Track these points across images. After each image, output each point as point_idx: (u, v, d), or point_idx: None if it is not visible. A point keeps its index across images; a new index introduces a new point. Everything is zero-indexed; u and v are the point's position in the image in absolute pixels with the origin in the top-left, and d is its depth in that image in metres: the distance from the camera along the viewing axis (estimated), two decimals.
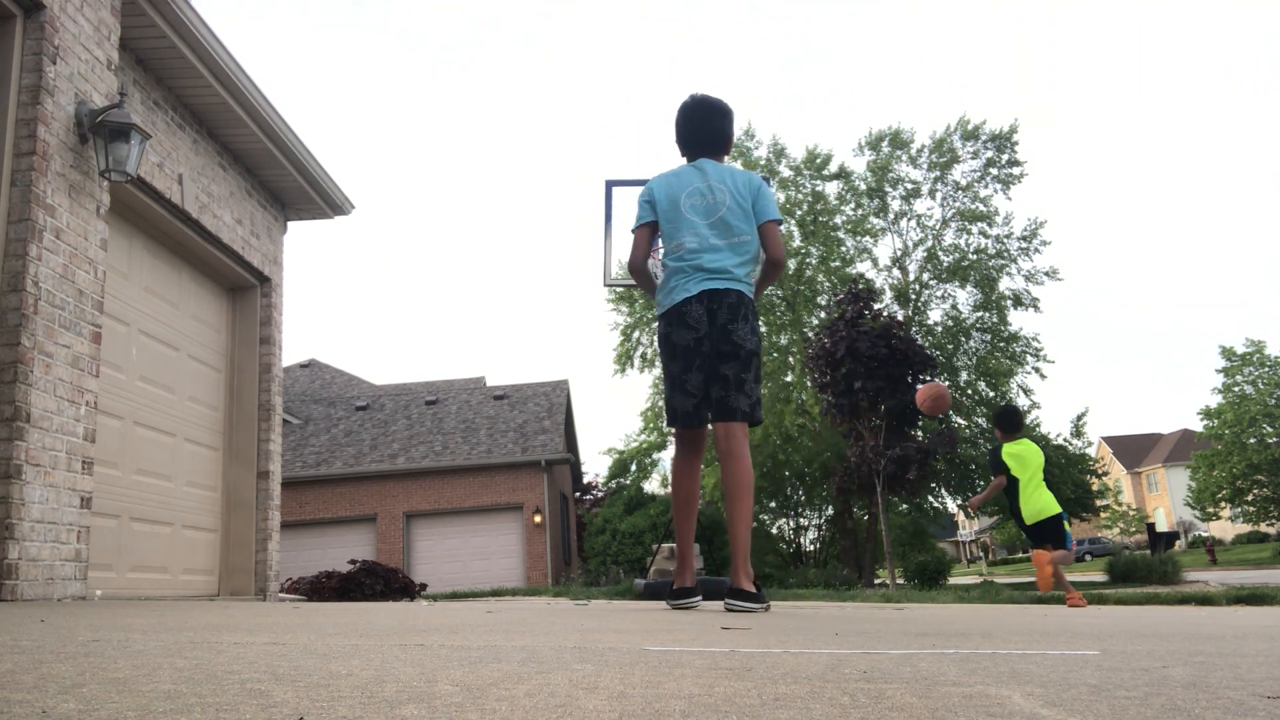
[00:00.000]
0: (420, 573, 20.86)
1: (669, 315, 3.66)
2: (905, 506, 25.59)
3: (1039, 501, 6.97)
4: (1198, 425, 43.30)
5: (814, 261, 28.00)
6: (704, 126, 3.83)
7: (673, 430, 3.79)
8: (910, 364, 19.89)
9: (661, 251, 3.69)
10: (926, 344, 25.61)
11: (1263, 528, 45.63)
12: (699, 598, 3.89)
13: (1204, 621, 3.91)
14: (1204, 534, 50.95)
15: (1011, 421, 7.25)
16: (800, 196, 28.48)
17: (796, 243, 27.94)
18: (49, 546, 4.14)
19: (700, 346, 3.57)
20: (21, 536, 3.95)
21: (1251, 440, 39.69)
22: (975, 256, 28.13)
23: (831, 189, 29.14)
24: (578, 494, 30.55)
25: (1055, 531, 6.93)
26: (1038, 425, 28.96)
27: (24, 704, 1.13)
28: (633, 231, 3.84)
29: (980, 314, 28.32)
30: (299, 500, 22.29)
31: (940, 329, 28.39)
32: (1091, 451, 37.64)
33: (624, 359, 28.18)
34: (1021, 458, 7.01)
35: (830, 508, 26.62)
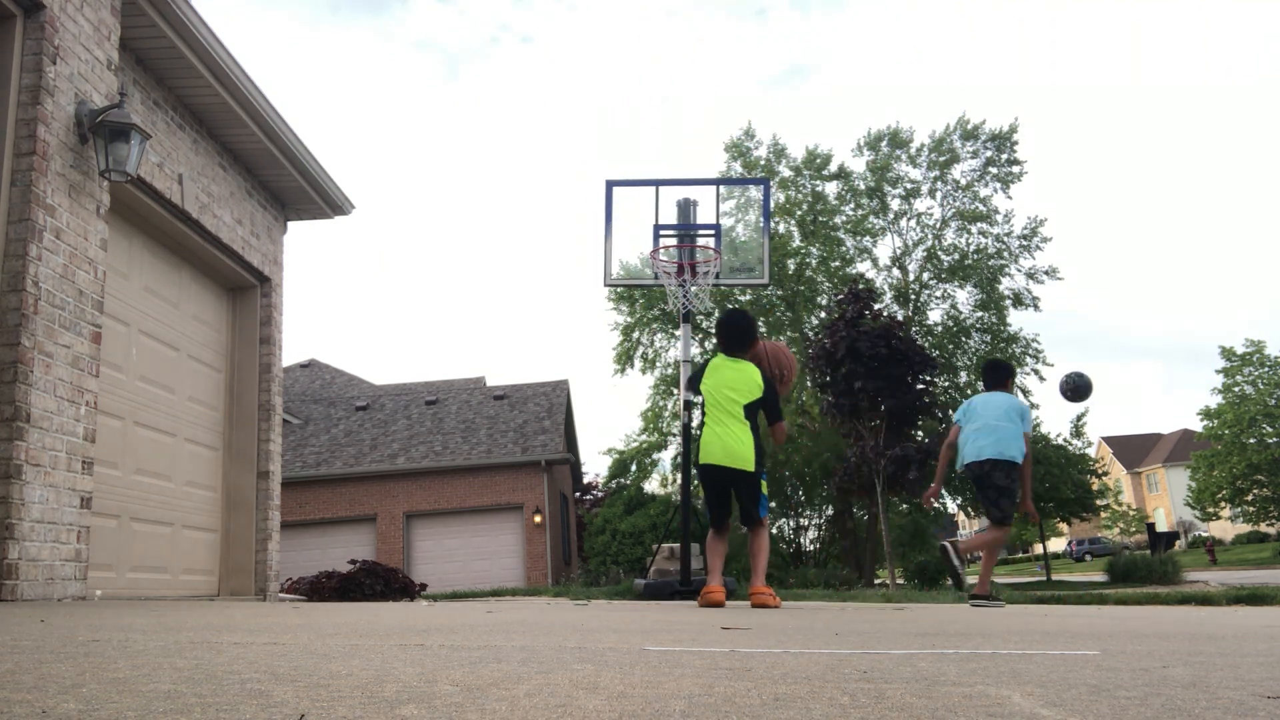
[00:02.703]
0: (420, 573, 20.85)
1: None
2: (905, 506, 25.59)
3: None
4: (1198, 425, 43.31)
5: (814, 262, 28.00)
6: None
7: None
8: (910, 364, 19.89)
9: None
10: (926, 344, 25.60)
11: (1263, 528, 45.62)
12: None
13: (1204, 621, 3.91)
14: (1204, 534, 50.95)
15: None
16: (800, 196, 28.47)
17: (796, 243, 27.94)
18: (49, 546, 4.14)
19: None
20: (21, 536, 3.95)
21: (1251, 440, 39.67)
22: (975, 256, 28.13)
23: (831, 189, 29.15)
24: (578, 494, 30.55)
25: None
26: (1038, 425, 28.98)
27: (24, 704, 1.13)
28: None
29: (980, 314, 28.32)
30: (299, 500, 22.28)
31: (940, 329, 28.39)
32: (1091, 451, 37.64)
33: (624, 359, 28.17)
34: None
35: (830, 508, 26.62)
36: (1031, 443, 6.24)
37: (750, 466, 4.99)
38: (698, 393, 5.19)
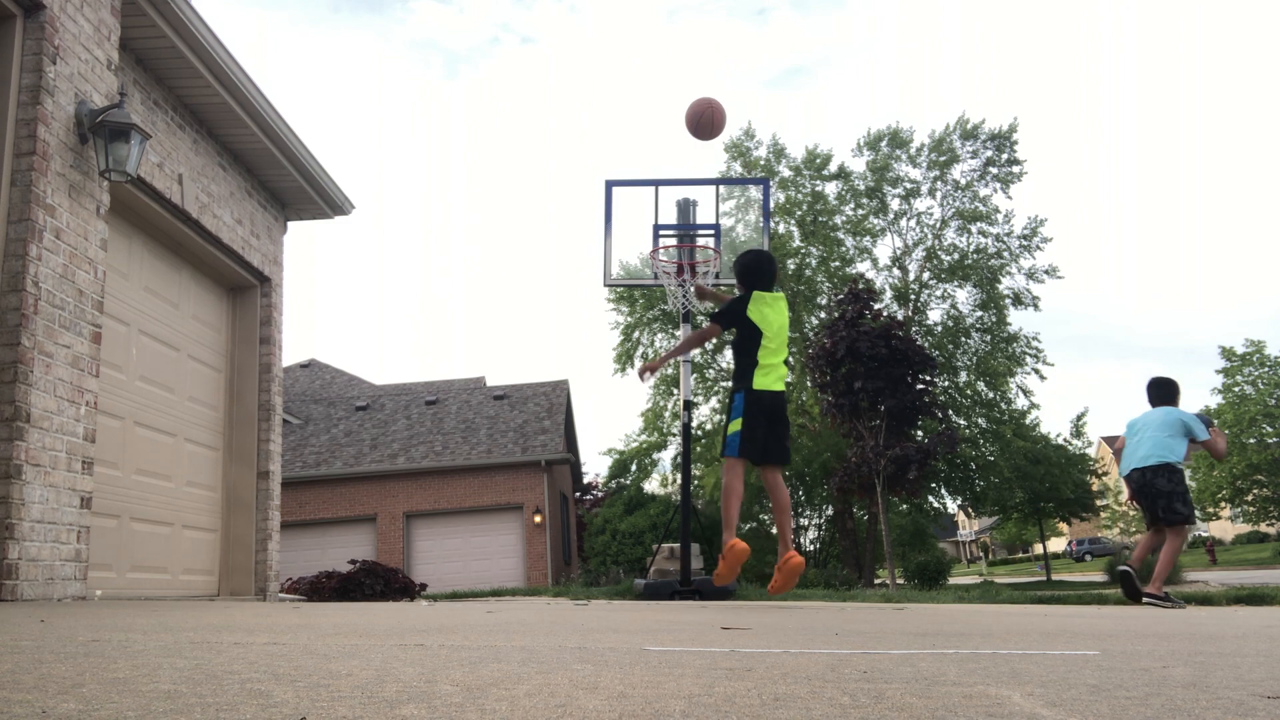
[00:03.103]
0: (420, 573, 20.85)
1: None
2: (905, 506, 25.59)
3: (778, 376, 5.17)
4: None
5: (814, 262, 27.98)
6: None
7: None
8: (910, 364, 19.87)
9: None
10: (926, 344, 25.59)
11: (1263, 528, 45.61)
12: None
13: (1204, 621, 3.90)
14: (1204, 534, 50.94)
15: (758, 270, 5.29)
16: (800, 196, 28.45)
17: (796, 243, 27.93)
18: (49, 546, 4.14)
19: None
20: (21, 536, 3.95)
21: (1251, 440, 39.64)
22: (975, 256, 28.11)
23: (831, 189, 29.11)
24: (578, 494, 30.55)
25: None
26: (1037, 425, 28.95)
27: (24, 704, 1.13)
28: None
29: (980, 314, 28.30)
30: (299, 500, 22.28)
31: (940, 329, 28.37)
32: (1091, 452, 37.63)
33: (624, 359, 28.16)
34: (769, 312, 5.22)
35: (830, 508, 26.62)
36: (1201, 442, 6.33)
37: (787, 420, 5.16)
38: (743, 324, 5.06)
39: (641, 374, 5.51)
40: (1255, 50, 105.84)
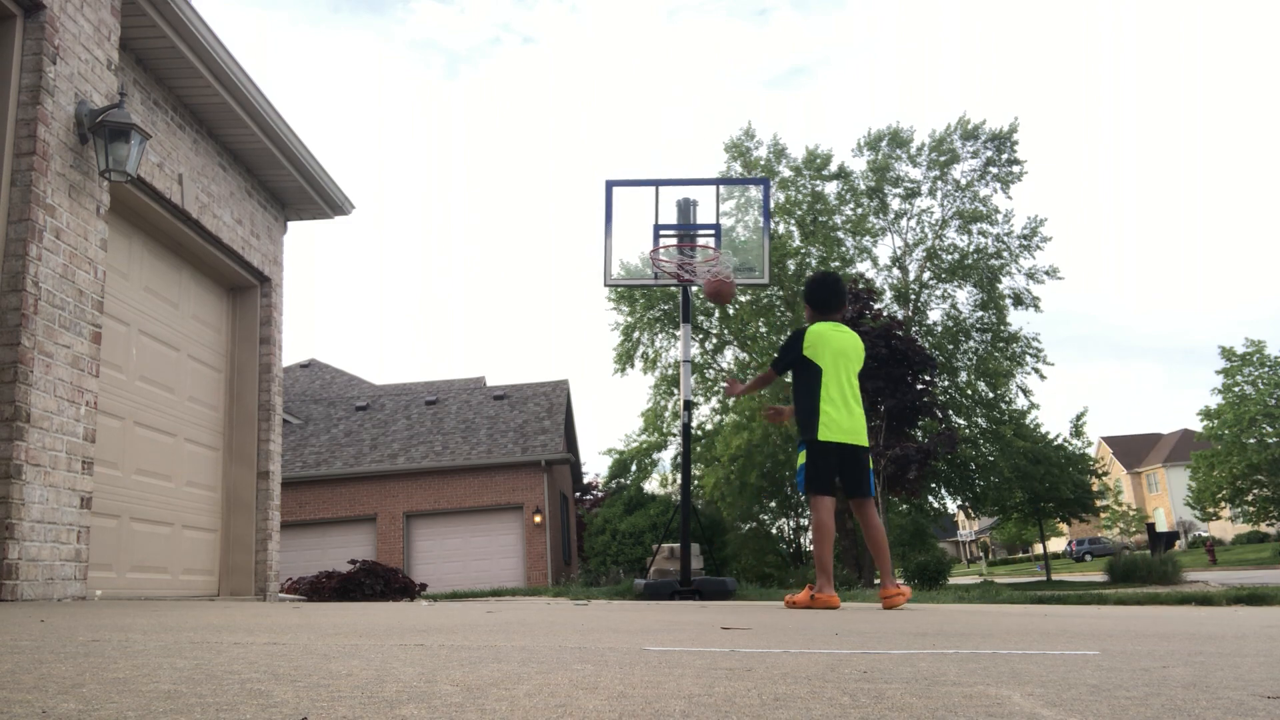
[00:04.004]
0: (420, 573, 20.84)
1: None
2: (905, 506, 25.58)
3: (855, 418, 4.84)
4: (1198, 425, 43.28)
5: (814, 262, 27.98)
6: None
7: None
8: (910, 364, 19.88)
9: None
10: (926, 344, 25.59)
11: (1263, 528, 45.60)
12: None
13: (1204, 621, 3.90)
14: (1204, 534, 50.92)
15: (826, 295, 5.07)
16: (800, 197, 28.45)
17: (796, 243, 27.93)
18: (49, 546, 4.14)
19: None
20: (21, 536, 3.95)
21: (1251, 440, 39.64)
22: (975, 256, 28.12)
23: (831, 189, 29.12)
24: (578, 494, 30.55)
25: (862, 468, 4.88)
26: (1037, 425, 28.95)
27: (24, 704, 1.13)
28: None
29: (980, 314, 28.31)
30: (299, 500, 22.28)
31: (940, 329, 28.37)
32: (1091, 451, 37.62)
33: (624, 359, 28.16)
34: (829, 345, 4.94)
35: None
36: None
37: (868, 440, 4.91)
38: (802, 365, 4.80)
39: (729, 395, 5.68)
40: (1255, 50, 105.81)
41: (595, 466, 59.85)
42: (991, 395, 27.78)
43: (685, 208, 8.69)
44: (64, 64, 4.51)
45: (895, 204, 29.15)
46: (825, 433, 4.76)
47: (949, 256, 28.49)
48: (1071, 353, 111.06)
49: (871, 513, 4.88)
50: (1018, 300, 28.02)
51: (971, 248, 28.37)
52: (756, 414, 25.05)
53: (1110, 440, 67.83)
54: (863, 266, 28.54)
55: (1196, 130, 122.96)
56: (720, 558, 19.37)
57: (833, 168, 28.67)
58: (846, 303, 5.09)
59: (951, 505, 30.84)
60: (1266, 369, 40.38)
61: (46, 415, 4.17)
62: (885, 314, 22.29)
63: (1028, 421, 28.32)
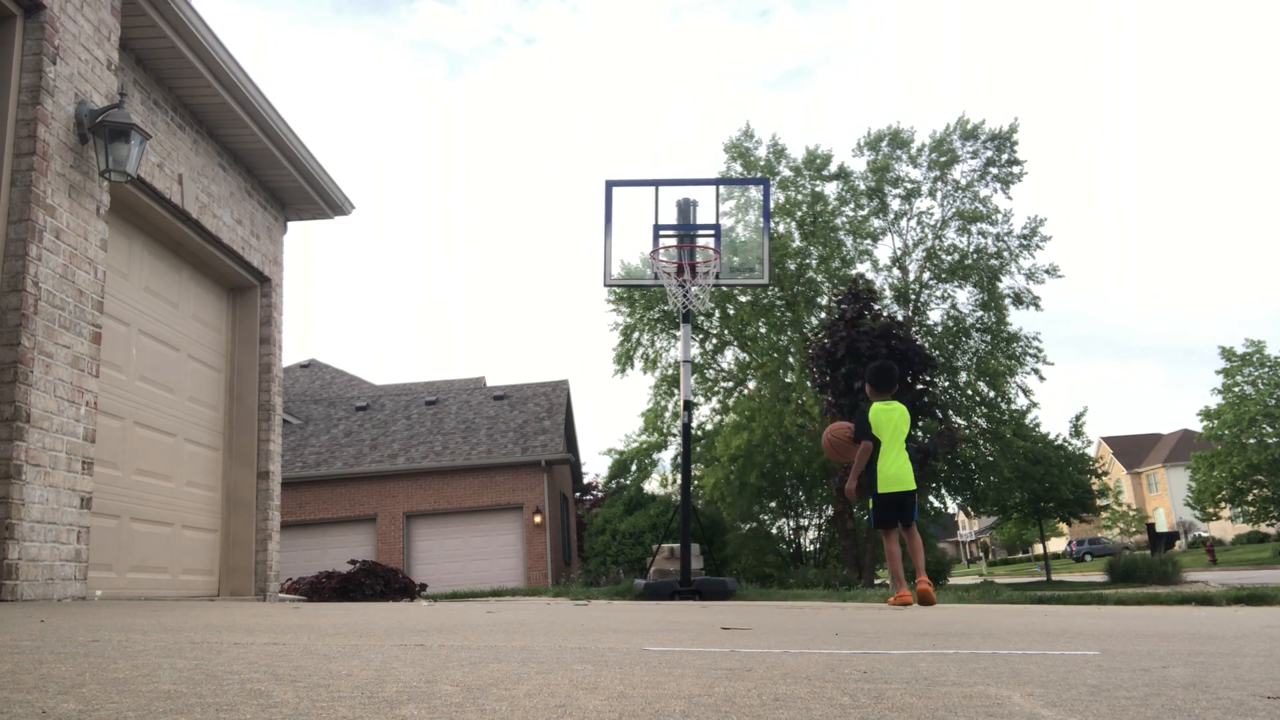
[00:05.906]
0: (420, 573, 20.84)
1: None
2: None
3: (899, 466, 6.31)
4: (1198, 425, 43.28)
5: (814, 262, 27.97)
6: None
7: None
8: (910, 364, 19.87)
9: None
10: (926, 344, 25.58)
11: (1263, 528, 45.60)
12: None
13: (1204, 621, 3.90)
14: (1204, 534, 50.92)
15: (883, 379, 6.56)
16: (800, 197, 28.43)
17: (796, 243, 27.91)
18: (49, 546, 4.14)
19: None
20: (21, 536, 3.95)
21: (1251, 440, 39.63)
22: (975, 256, 28.10)
23: (831, 189, 29.08)
24: (578, 494, 30.54)
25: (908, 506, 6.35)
26: (1037, 425, 28.94)
27: (24, 704, 1.13)
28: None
29: (980, 314, 28.29)
30: (299, 500, 22.28)
31: (940, 329, 28.36)
32: (1091, 451, 37.61)
33: (624, 359, 28.13)
34: (889, 418, 6.39)
35: (830, 508, 26.62)
36: None
37: (914, 484, 6.40)
38: (873, 438, 6.26)
39: (848, 494, 6.87)
40: (1255, 50, 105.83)
41: (595, 466, 59.84)
42: (992, 395, 27.77)
43: (685, 208, 8.69)
44: (64, 64, 4.51)
45: (895, 204, 29.13)
46: (884, 486, 6.30)
47: (949, 257, 28.47)
48: (1071, 353, 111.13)
49: (914, 532, 6.42)
50: (1018, 300, 28.00)
51: (971, 248, 28.34)
52: (757, 414, 25.06)
53: (1110, 440, 67.83)
54: (863, 267, 28.50)
55: (1196, 130, 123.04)
56: (720, 558, 19.37)
57: (833, 168, 28.64)
58: (897, 382, 6.63)
59: (951, 505, 30.83)
60: (1266, 369, 40.38)
61: (46, 415, 4.17)
62: (885, 314, 22.28)
63: (1028, 421, 28.31)
